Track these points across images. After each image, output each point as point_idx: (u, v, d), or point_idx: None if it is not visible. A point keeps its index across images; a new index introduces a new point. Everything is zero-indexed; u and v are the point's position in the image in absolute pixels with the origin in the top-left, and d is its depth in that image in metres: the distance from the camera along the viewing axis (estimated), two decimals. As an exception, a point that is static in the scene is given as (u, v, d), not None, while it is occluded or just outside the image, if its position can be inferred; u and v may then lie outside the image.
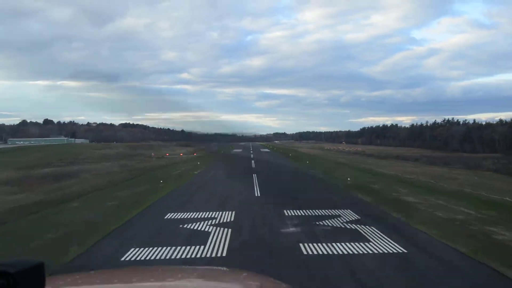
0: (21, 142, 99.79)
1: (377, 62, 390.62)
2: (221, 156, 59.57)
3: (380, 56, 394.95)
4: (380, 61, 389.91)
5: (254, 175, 23.07)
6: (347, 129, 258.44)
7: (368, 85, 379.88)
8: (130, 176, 25.68)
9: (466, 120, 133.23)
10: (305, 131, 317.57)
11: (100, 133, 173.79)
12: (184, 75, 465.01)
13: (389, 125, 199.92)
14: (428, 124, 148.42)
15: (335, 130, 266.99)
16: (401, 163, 42.19)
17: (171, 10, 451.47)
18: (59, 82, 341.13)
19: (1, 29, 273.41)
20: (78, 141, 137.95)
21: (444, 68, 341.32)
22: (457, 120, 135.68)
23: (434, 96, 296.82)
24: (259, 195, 15.77)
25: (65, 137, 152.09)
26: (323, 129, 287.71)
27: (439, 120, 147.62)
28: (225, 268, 2.94)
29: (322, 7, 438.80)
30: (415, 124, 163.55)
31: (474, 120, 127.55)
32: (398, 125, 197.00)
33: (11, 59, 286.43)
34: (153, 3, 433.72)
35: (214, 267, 3.41)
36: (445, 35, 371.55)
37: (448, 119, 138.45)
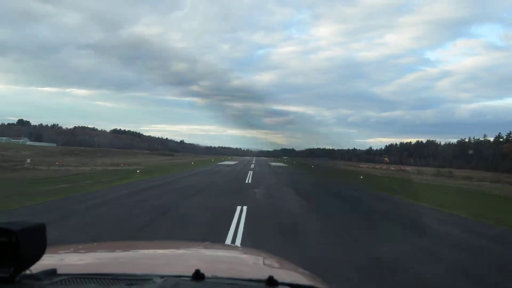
0: None
1: (388, 82, 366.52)
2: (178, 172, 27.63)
3: (392, 76, 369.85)
4: (391, 81, 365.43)
5: None
6: (357, 147, 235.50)
7: (378, 106, 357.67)
8: None
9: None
10: (314, 148, 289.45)
11: (74, 137, 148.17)
12: (194, 87, 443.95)
13: (424, 142, 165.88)
14: (487, 139, 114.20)
15: (342, 148, 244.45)
16: None
17: (183, 20, 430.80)
18: (67, 90, 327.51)
19: (9, 33, 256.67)
20: (37, 143, 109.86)
21: (455, 90, 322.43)
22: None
23: (443, 118, 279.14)
24: None
25: (29, 139, 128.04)
26: (328, 148, 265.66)
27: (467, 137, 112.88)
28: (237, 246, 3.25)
29: (336, 24, 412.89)
30: (462, 139, 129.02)
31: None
32: (436, 141, 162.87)
33: (19, 63, 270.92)
34: (165, 13, 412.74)
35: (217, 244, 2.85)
36: (459, 57, 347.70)
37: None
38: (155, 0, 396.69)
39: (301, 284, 1.39)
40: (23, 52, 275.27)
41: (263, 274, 1.24)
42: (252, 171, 34.94)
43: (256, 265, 1.84)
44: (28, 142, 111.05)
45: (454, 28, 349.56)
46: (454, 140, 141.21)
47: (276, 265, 1.86)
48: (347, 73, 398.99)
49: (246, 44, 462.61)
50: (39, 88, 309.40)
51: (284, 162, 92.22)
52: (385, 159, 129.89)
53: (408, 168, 70.73)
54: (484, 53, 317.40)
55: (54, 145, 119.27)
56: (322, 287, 1.34)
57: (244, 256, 2.13)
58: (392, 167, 73.08)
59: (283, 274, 1.65)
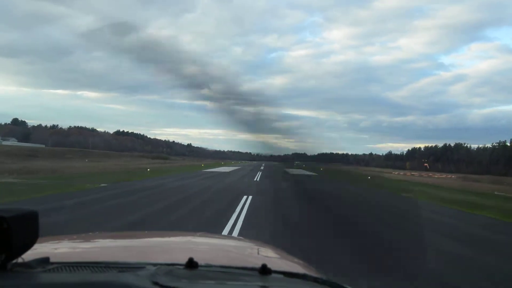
0: None
1: (401, 86, 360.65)
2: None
3: (405, 81, 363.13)
4: (405, 86, 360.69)
5: None
6: (371, 153, 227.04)
7: (390, 111, 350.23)
8: None
9: None
10: (327, 152, 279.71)
11: (66, 138, 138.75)
12: (205, 91, 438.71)
13: (453, 145, 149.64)
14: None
15: (357, 154, 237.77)
16: None
17: (195, 23, 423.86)
18: (79, 92, 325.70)
19: (21, 35, 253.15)
20: (23, 144, 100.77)
21: (469, 95, 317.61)
22: None
23: (456, 123, 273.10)
24: None
25: (16, 139, 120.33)
26: (342, 152, 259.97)
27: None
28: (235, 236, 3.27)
29: (350, 27, 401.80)
30: (502, 142, 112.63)
31: None
32: (465, 144, 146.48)
33: (30, 65, 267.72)
34: (176, 15, 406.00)
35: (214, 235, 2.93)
36: (473, 61, 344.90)
37: None
38: (166, 2, 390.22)
39: (294, 272, 1.37)
40: (35, 55, 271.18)
41: (257, 263, 1.24)
42: (250, 198, 15.45)
43: (251, 254, 1.86)
44: (7, 142, 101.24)
45: (469, 32, 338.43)
46: (488, 144, 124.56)
47: (271, 254, 1.86)
48: (360, 77, 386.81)
49: (258, 47, 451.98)
50: (51, 91, 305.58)
51: (304, 169, 70.56)
52: (425, 164, 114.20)
53: (452, 176, 55.63)
54: (499, 56, 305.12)
55: (43, 146, 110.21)
56: (315, 276, 1.33)
57: (239, 245, 2.16)
58: (442, 174, 58.36)
59: (277, 263, 1.66)
